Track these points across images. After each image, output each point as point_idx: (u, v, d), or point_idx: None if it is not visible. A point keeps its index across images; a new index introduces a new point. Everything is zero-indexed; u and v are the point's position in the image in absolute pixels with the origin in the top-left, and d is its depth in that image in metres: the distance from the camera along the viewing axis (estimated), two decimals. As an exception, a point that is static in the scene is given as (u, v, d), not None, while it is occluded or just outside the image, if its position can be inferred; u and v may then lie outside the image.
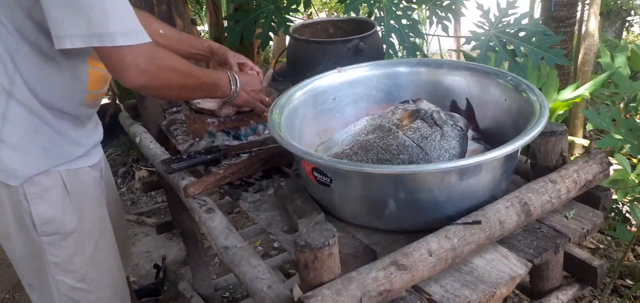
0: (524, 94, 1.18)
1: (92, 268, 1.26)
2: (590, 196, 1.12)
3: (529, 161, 1.16)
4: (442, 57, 5.14)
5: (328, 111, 1.37)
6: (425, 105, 1.25)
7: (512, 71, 1.99)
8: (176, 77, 1.13)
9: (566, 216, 1.06)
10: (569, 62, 2.26)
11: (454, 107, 1.38)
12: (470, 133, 1.26)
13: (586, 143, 3.53)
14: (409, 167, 0.95)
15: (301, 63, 1.65)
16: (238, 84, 1.34)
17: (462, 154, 1.12)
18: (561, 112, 3.44)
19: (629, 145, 1.68)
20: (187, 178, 1.31)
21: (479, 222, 0.93)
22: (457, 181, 0.98)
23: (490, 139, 1.29)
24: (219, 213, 1.16)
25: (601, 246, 2.73)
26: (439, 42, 4.67)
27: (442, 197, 0.98)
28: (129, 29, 1.02)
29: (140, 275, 2.20)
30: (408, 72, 1.40)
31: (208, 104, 1.48)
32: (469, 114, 1.35)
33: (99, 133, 1.33)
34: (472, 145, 1.23)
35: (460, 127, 1.16)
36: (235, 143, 1.44)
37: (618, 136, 1.71)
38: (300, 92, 1.28)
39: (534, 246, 0.99)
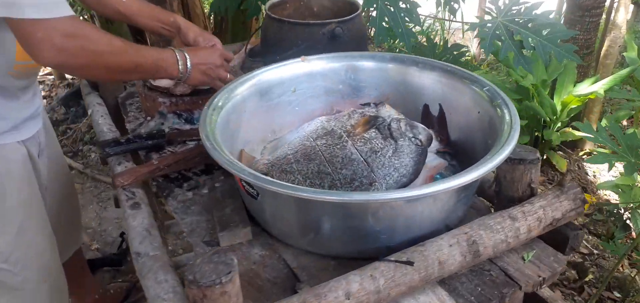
0: (498, 109, 1.03)
1: (16, 250, 1.18)
2: (558, 234, 0.98)
3: (494, 187, 1.03)
4: (463, 35, 4.89)
5: (287, 104, 1.24)
6: (386, 111, 1.11)
7: (518, 63, 1.83)
8: (102, 58, 1.01)
9: (523, 258, 0.93)
10: (580, 60, 2.07)
11: (426, 112, 1.23)
12: (435, 145, 1.13)
13: (599, 141, 3.31)
14: (319, 193, 0.79)
15: (273, 44, 1.52)
16: (188, 63, 1.21)
17: (415, 173, 0.99)
18: (574, 106, 3.24)
19: (625, 163, 1.52)
20: (124, 163, 1.21)
21: (411, 263, 0.81)
22: (398, 210, 0.85)
23: (460, 152, 1.16)
24: (145, 210, 1.05)
25: (595, 251, 2.58)
26: (463, 17, 4.42)
27: (378, 227, 0.85)
28: (42, 0, 0.90)
29: (106, 242, 2.14)
30: (376, 68, 1.26)
31: (163, 81, 1.36)
32: (440, 121, 1.21)
33: (35, 105, 1.23)
34: (435, 160, 1.10)
35: (420, 141, 1.03)
36: (187, 127, 1.32)
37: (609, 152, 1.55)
38: (249, 84, 1.15)
39: (477, 292, 0.86)
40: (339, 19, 1.47)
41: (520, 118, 2.90)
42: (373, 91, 1.28)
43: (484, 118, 1.08)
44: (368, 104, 1.17)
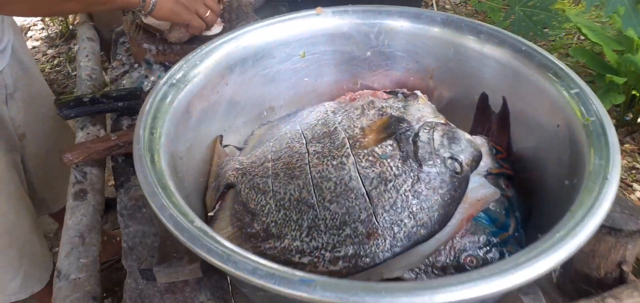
0: (589, 133, 0.66)
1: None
2: (656, 341, 0.64)
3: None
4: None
5: (292, 73, 0.93)
6: (416, 109, 0.77)
7: (628, 24, 1.37)
8: None
9: None
10: None
11: (483, 105, 0.88)
12: (487, 163, 0.78)
13: None
14: (259, 276, 0.47)
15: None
16: None
17: (443, 220, 0.66)
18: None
19: None
20: (89, 126, 0.98)
21: None
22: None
23: (522, 176, 0.81)
24: (90, 203, 0.83)
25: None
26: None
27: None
28: None
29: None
30: (418, 33, 0.90)
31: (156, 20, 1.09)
32: (501, 122, 0.85)
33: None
34: (482, 187, 0.75)
35: (459, 164, 0.70)
36: (174, 84, 1.06)
37: None
38: (233, 45, 0.84)
39: None
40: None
41: (619, 74, 2.35)
42: (412, 64, 0.93)
43: (564, 136, 0.71)
44: (395, 93, 0.83)
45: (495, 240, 0.72)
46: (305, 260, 0.62)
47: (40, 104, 1.22)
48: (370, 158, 0.68)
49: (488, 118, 0.87)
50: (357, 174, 0.67)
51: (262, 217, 0.67)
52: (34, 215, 1.19)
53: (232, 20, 1.15)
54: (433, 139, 0.71)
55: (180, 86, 0.74)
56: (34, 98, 1.19)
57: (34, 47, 2.81)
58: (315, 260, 0.62)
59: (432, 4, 1.92)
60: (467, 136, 0.74)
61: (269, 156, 0.74)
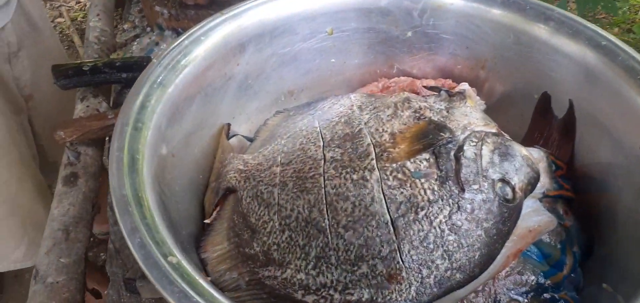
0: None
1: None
2: None
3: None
4: None
5: (316, 53, 0.79)
6: (463, 115, 0.63)
7: None
8: None
9: None
10: None
11: (543, 106, 0.73)
12: (543, 184, 0.63)
13: None
14: None
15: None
16: None
17: (485, 261, 0.53)
18: None
19: None
20: (90, 98, 0.88)
21: None
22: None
23: (584, 199, 0.66)
24: (82, 189, 0.74)
25: None
26: None
27: None
28: None
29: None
30: (471, 13, 0.74)
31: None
32: (564, 130, 0.70)
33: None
34: (535, 214, 0.61)
35: (511, 191, 0.56)
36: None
37: None
38: (245, 18, 0.71)
39: None
40: None
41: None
42: (461, 49, 0.78)
43: (653, 163, 0.56)
44: (437, 90, 0.69)
45: (546, 282, 0.59)
46: (309, 299, 0.51)
47: (49, 64, 1.13)
48: (400, 176, 0.55)
49: (549, 123, 0.72)
50: (382, 196, 0.54)
51: (263, 236, 0.56)
52: (41, 181, 1.13)
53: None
54: (481, 156, 0.56)
55: (178, 67, 0.63)
56: (42, 57, 1.11)
57: (69, -7, 2.76)
58: (322, 301, 0.51)
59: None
60: (524, 151, 0.60)
61: (279, 159, 0.62)
